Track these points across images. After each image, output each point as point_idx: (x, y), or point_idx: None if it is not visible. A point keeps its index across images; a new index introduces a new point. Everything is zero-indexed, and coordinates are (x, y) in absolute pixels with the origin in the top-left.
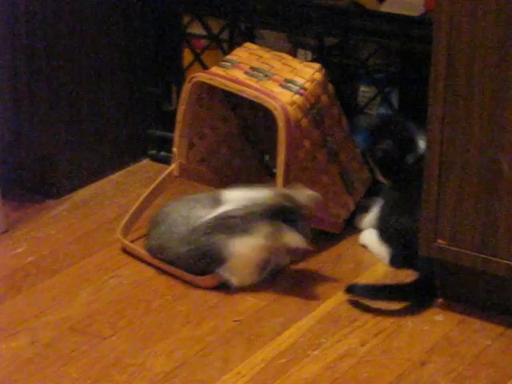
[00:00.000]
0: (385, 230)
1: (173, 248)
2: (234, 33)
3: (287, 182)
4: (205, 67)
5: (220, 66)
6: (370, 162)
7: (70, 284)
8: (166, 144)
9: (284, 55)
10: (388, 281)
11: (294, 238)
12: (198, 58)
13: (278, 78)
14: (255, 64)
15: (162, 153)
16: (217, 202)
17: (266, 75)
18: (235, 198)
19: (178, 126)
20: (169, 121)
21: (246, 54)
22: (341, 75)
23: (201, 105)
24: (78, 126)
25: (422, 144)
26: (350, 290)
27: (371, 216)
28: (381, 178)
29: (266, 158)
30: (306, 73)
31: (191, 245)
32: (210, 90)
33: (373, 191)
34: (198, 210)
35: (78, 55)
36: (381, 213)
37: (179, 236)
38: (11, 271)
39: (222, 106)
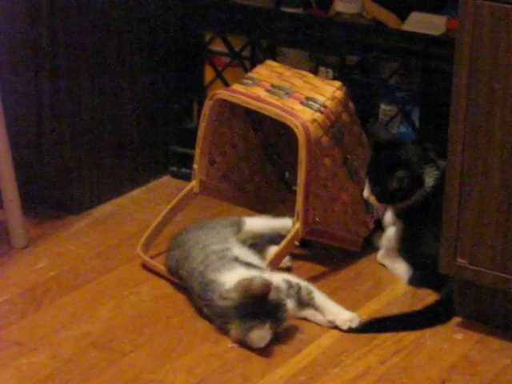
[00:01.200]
0: (405, 250)
1: (186, 277)
2: (256, 50)
3: (307, 200)
4: (226, 84)
5: (241, 84)
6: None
7: (90, 300)
8: (187, 161)
9: (305, 73)
10: (409, 299)
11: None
12: (219, 75)
13: (299, 96)
14: (276, 82)
15: (183, 169)
16: (235, 231)
17: (287, 93)
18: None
19: (199, 143)
20: (190, 138)
21: (267, 71)
22: (362, 93)
23: (222, 122)
24: (99, 142)
25: (429, 181)
26: (365, 328)
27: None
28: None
29: (287, 174)
30: (327, 91)
31: (203, 290)
32: (231, 107)
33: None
34: (214, 243)
35: (101, 71)
36: (401, 233)
37: (192, 267)
38: (32, 286)
39: (243, 124)
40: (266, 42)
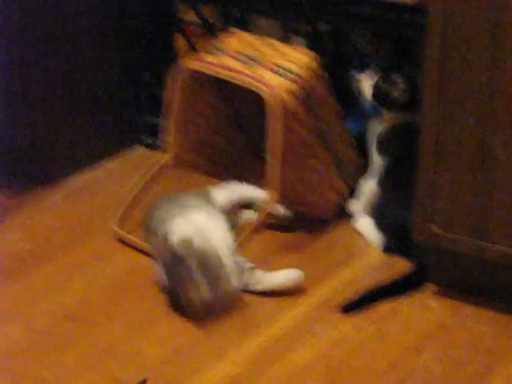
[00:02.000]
0: (379, 218)
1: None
2: (227, 20)
3: (281, 169)
4: (198, 53)
5: (210, 53)
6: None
7: (64, 272)
8: (158, 130)
9: (274, 41)
10: (383, 268)
11: None
12: (190, 44)
13: (269, 64)
14: (246, 51)
15: (154, 138)
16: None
17: (258, 61)
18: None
19: (173, 116)
20: (161, 106)
21: (236, 40)
22: (335, 62)
23: (193, 93)
24: (72, 113)
25: None
26: (347, 309)
27: (363, 201)
28: (377, 158)
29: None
30: (300, 60)
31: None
32: (201, 78)
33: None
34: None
35: (72, 40)
36: (376, 201)
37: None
38: (6, 259)
39: (214, 95)
40: (237, 11)
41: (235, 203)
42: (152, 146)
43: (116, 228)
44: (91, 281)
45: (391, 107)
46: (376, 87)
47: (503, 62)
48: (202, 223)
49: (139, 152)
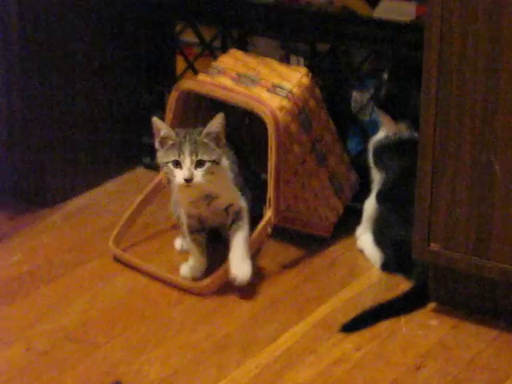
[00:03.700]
0: (378, 235)
1: None
2: (227, 40)
3: (278, 187)
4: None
5: (206, 74)
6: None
7: (64, 293)
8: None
9: (270, 60)
10: (383, 286)
11: None
12: (190, 65)
13: (266, 84)
14: (242, 70)
15: (156, 160)
16: None
17: (253, 81)
18: None
19: None
20: None
21: (232, 60)
22: (333, 81)
23: (188, 113)
24: (71, 135)
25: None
26: (347, 328)
27: (364, 218)
28: (375, 174)
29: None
30: (294, 77)
31: None
32: (197, 98)
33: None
34: None
35: (72, 61)
36: (375, 217)
37: None
38: (6, 280)
39: (209, 115)
40: (236, 31)
41: None
42: (152, 167)
43: (112, 246)
44: (91, 301)
45: (395, 112)
46: (383, 90)
47: (500, 80)
48: None
49: (140, 173)
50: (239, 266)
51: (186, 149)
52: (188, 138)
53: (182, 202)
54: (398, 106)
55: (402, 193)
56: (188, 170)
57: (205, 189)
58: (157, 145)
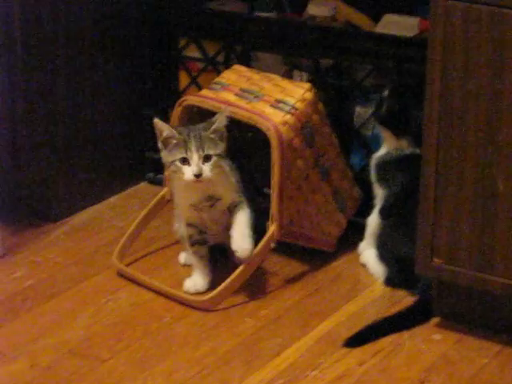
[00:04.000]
0: (381, 250)
1: None
2: (230, 55)
3: (281, 202)
4: (201, 90)
5: (210, 89)
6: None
7: (68, 308)
8: (164, 167)
9: (273, 76)
10: (386, 301)
11: None
12: (194, 80)
13: (269, 99)
14: (245, 85)
15: (160, 175)
16: None
17: (257, 96)
18: None
19: None
20: None
21: (235, 75)
22: (336, 96)
23: None
24: (76, 150)
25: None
26: (350, 343)
27: (367, 233)
28: (378, 189)
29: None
30: (297, 92)
31: None
32: (201, 113)
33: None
34: None
35: (76, 77)
36: (379, 232)
37: None
38: (10, 295)
39: None
40: (240, 47)
41: None
42: (156, 182)
43: (116, 261)
44: (95, 316)
45: (397, 128)
46: (384, 106)
47: (503, 94)
48: None
49: (143, 188)
50: (240, 240)
51: (193, 145)
52: (192, 134)
53: (183, 208)
54: (399, 123)
55: (404, 208)
56: (197, 166)
57: (209, 188)
58: (160, 145)
